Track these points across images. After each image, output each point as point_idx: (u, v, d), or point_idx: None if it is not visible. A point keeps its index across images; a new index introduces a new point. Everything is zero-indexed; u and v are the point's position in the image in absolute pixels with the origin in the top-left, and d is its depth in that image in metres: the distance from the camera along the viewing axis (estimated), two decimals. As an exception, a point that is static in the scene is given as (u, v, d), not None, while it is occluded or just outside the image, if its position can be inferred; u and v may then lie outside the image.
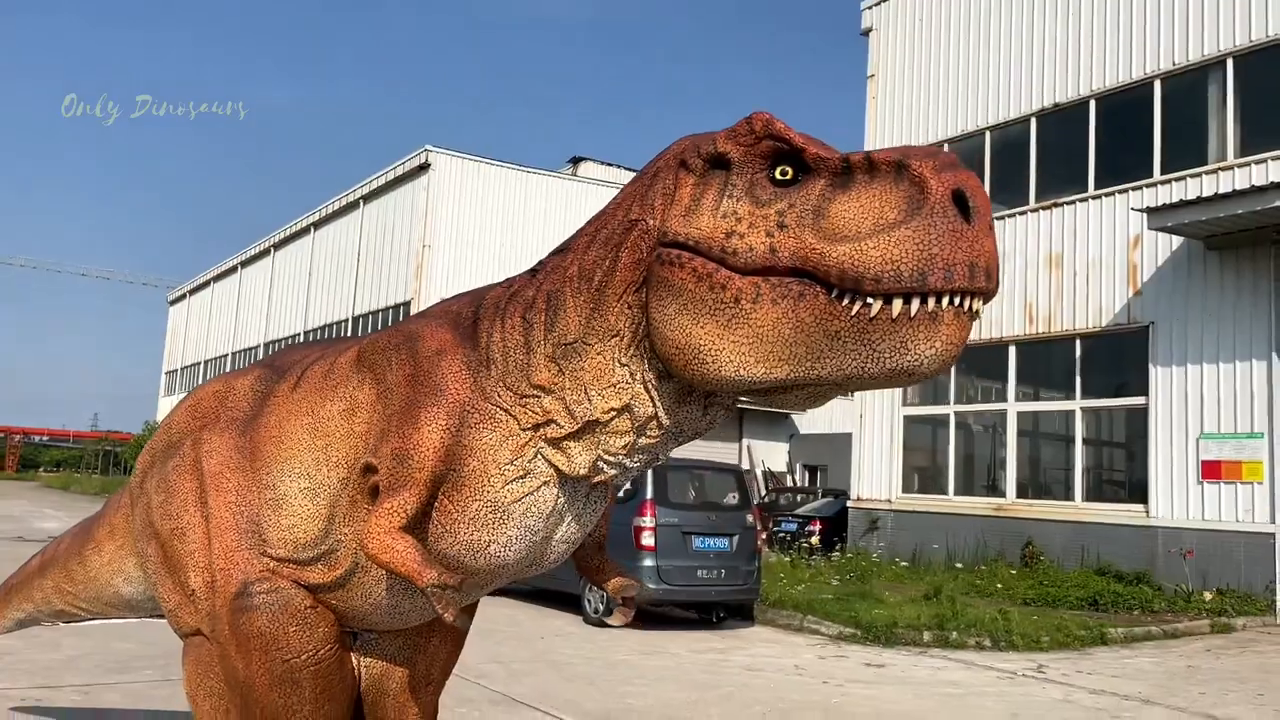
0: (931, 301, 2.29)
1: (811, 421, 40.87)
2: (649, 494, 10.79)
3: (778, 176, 2.52)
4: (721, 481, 11.90)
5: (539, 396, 2.86)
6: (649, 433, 2.79)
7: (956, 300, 2.30)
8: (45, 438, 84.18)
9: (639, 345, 2.72)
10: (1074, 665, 9.61)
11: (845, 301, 2.34)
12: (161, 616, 3.86)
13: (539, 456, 2.89)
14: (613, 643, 9.85)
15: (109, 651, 8.05)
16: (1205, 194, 13.36)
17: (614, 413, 2.77)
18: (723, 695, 7.64)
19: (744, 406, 31.45)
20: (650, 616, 11.44)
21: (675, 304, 2.55)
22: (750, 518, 11.47)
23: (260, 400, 3.52)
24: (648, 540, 10.62)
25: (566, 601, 11.80)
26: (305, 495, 3.23)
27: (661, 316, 2.59)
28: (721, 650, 9.77)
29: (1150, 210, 13.55)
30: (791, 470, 38.96)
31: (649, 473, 10.97)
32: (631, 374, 2.74)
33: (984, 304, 2.37)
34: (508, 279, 3.22)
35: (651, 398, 2.73)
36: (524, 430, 2.88)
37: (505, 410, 2.90)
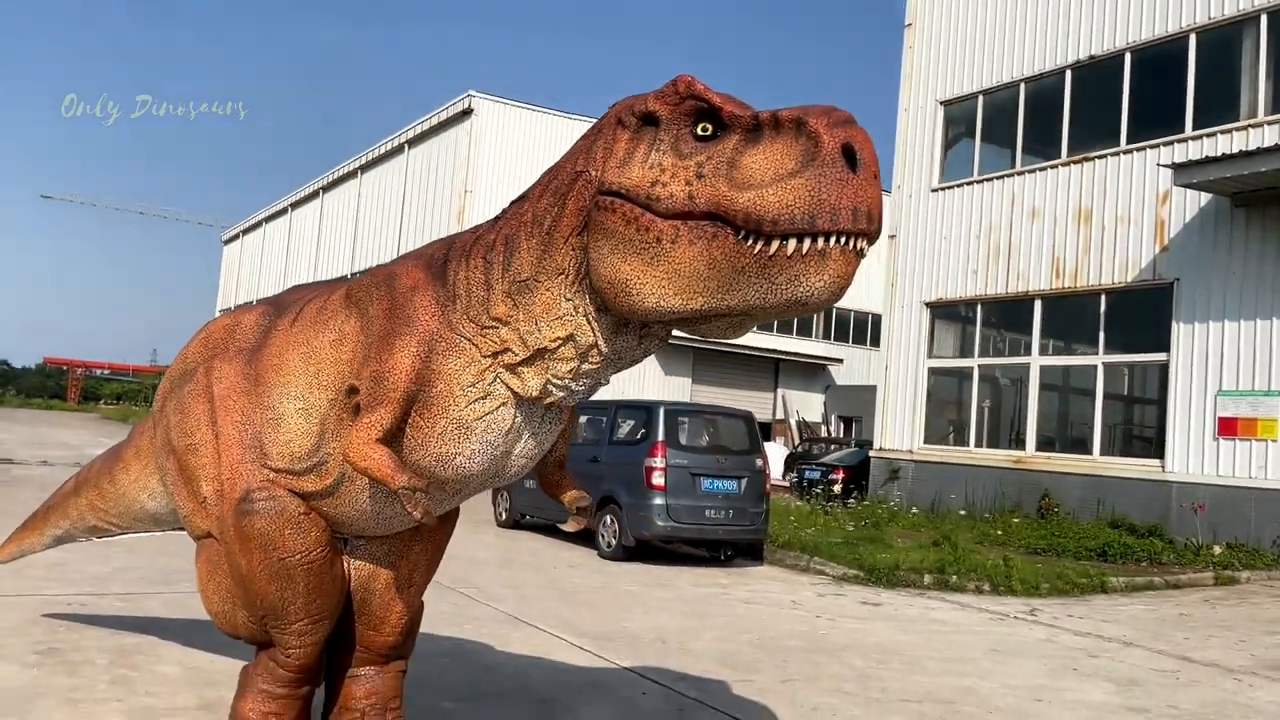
0: (821, 241, 2.68)
1: (847, 373, 41.01)
2: (660, 436, 11.25)
3: (699, 132, 2.90)
4: (732, 427, 12.29)
5: (497, 327, 3.30)
6: (590, 359, 3.24)
7: (843, 240, 2.70)
8: (106, 371, 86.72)
9: (581, 282, 3.13)
10: (1067, 610, 9.95)
11: (749, 242, 2.73)
12: (182, 528, 4.39)
13: (498, 380, 3.34)
14: (621, 575, 10.39)
15: (155, 565, 8.74)
16: (1235, 151, 13.30)
17: (560, 341, 3.21)
18: (715, 624, 8.12)
19: (780, 357, 31.41)
20: (660, 553, 11.97)
21: (608, 244, 2.96)
22: (759, 462, 11.88)
23: (264, 333, 4.00)
24: (658, 480, 11.09)
25: (582, 536, 12.35)
26: (300, 415, 3.70)
27: (597, 255, 3.00)
28: (724, 585, 10.25)
29: (1177, 166, 13.53)
30: (826, 421, 39.21)
31: (661, 417, 11.43)
32: (575, 308, 3.17)
33: (869, 245, 2.74)
34: (475, 225, 3.64)
35: (592, 328, 3.17)
36: (484, 357, 3.33)
37: (468, 339, 3.35)
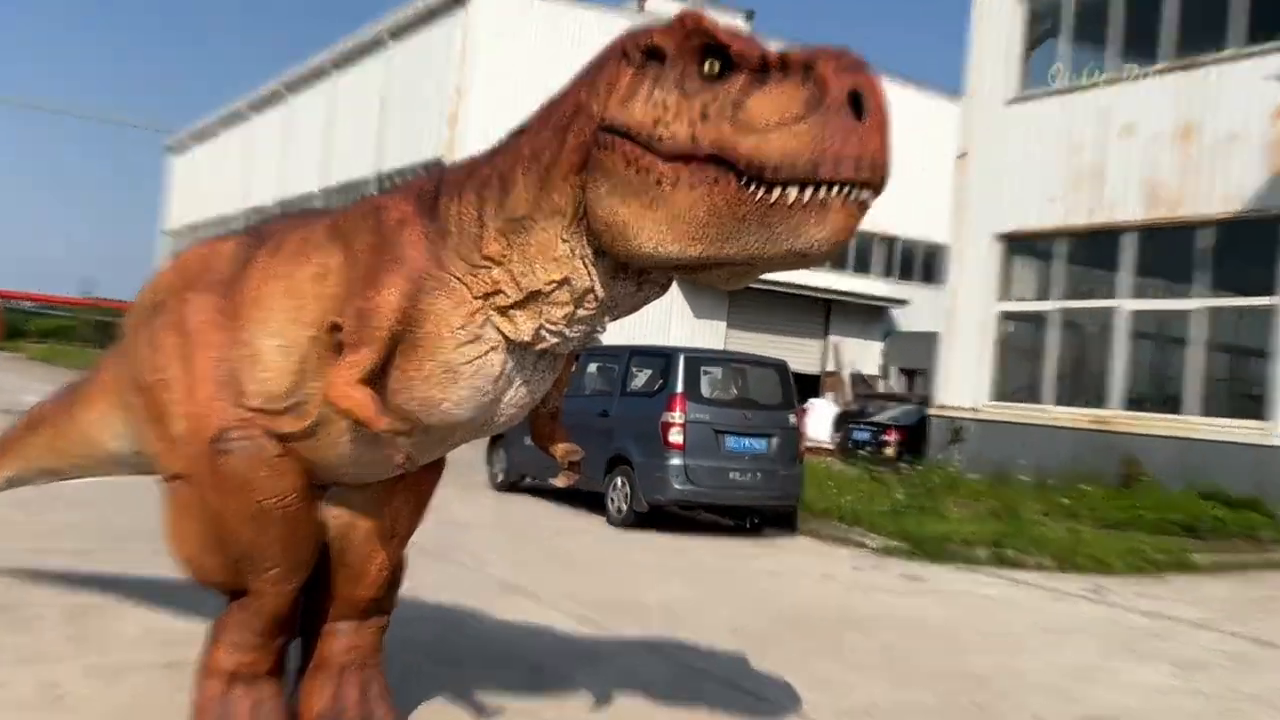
0: (823, 190, 3.16)
1: (913, 318, 41.23)
2: (679, 388, 11.81)
3: (706, 71, 3.34)
4: (763, 377, 12.81)
5: (489, 267, 3.80)
6: (586, 304, 3.75)
7: (845, 190, 3.17)
8: (30, 304, 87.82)
9: (580, 223, 3.61)
10: (1138, 590, 10.50)
11: (751, 188, 3.21)
12: (146, 473, 4.96)
13: (489, 323, 3.84)
14: (631, 543, 11.08)
15: (106, 522, 9.41)
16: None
17: (555, 285, 3.71)
18: (733, 595, 8.76)
19: (832, 298, 31.82)
20: (677, 520, 12.58)
21: (606, 184, 3.45)
22: (793, 418, 12.46)
23: (242, 264, 4.50)
24: (676, 438, 11.68)
25: (589, 502, 12.97)
26: (279, 352, 4.19)
27: (595, 195, 3.50)
28: (748, 556, 10.89)
29: (1293, 76, 13.82)
30: (885, 374, 39.65)
31: (680, 365, 11.99)
32: (572, 250, 3.65)
33: (873, 196, 3.22)
34: (470, 157, 4.13)
35: (589, 272, 3.68)
36: (475, 299, 3.82)
37: (458, 279, 3.84)
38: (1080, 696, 6.58)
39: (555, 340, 3.84)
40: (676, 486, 11.74)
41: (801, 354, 39.20)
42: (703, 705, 5.70)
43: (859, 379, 38.64)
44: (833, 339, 40.07)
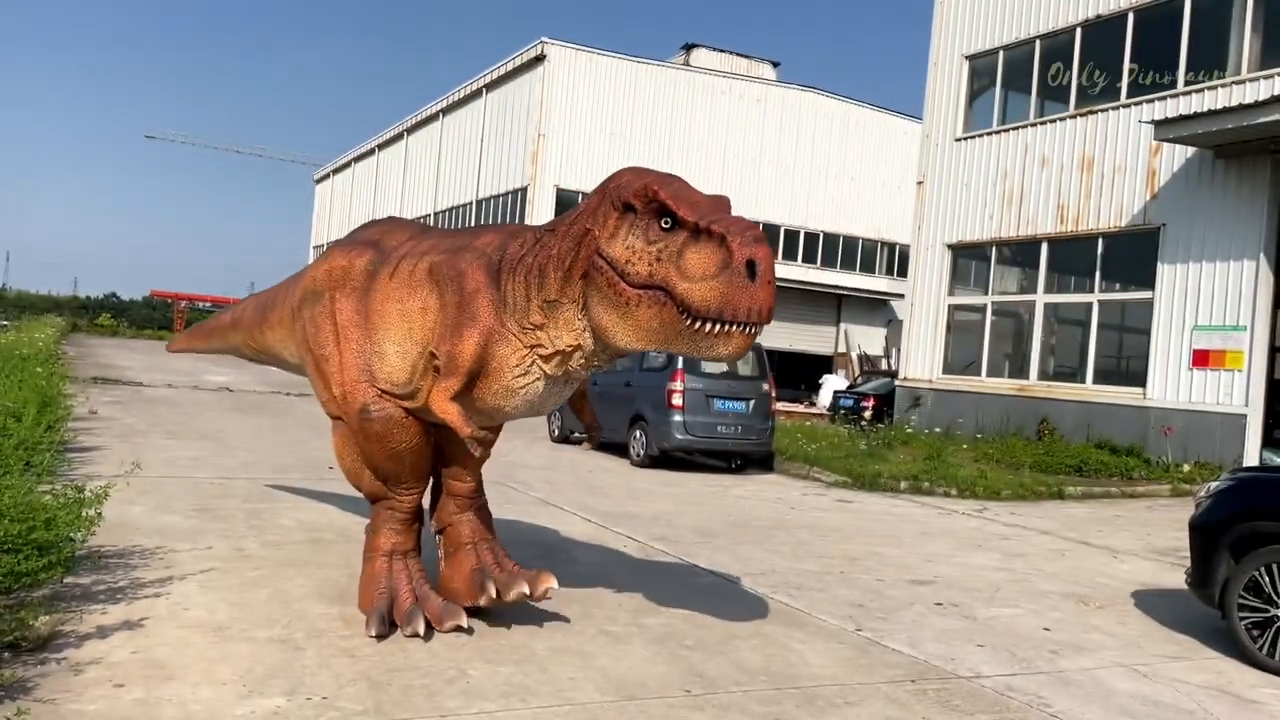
0: (728, 326, 4.21)
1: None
2: (680, 365, 13.30)
3: (662, 226, 4.30)
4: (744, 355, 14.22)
5: (533, 330, 4.81)
6: (593, 358, 4.84)
7: (742, 326, 4.20)
8: (208, 304, 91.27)
9: (587, 310, 4.54)
10: (1013, 510, 11.75)
11: (685, 318, 4.28)
12: (304, 373, 5.95)
13: (534, 364, 4.88)
14: (642, 477, 12.56)
15: (270, 461, 11.15)
16: (1219, 106, 14.57)
17: (574, 346, 4.78)
18: (704, 509, 10.22)
19: (842, 293, 32.85)
20: (684, 463, 14.08)
21: (597, 296, 4.52)
22: (766, 386, 13.87)
23: (370, 277, 5.36)
24: (677, 401, 13.18)
25: (617, 448, 14.54)
26: (398, 355, 5.14)
27: (591, 303, 4.56)
28: (726, 486, 12.35)
29: (1159, 123, 14.86)
30: (888, 354, 40.45)
31: (681, 346, 13.44)
32: (584, 327, 4.70)
33: (761, 328, 4.21)
34: (532, 235, 4.98)
35: (594, 341, 4.73)
36: (525, 348, 4.85)
37: (514, 335, 4.85)
38: (916, 570, 7.89)
39: (577, 374, 4.91)
40: (678, 437, 13.20)
41: (818, 339, 40.36)
42: (655, 569, 7.23)
43: (865, 358, 39.53)
44: (843, 326, 40.93)
